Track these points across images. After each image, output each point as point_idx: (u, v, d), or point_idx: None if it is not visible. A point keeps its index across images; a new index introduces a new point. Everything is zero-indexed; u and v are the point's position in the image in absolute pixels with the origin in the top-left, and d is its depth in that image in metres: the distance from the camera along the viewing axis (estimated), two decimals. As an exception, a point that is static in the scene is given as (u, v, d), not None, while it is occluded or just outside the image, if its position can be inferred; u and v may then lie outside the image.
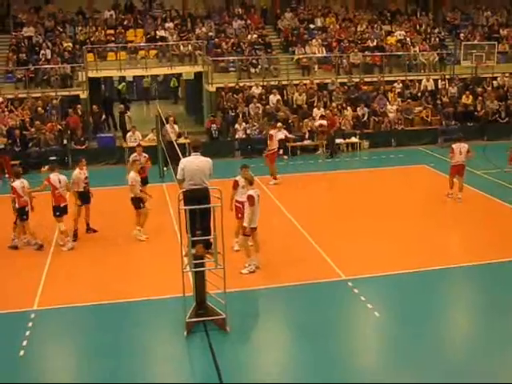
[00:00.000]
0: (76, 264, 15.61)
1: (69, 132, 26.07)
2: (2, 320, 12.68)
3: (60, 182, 16.41)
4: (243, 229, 14.52)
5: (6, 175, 23.28)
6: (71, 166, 24.28)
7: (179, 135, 24.99)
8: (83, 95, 28.92)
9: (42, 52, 30.81)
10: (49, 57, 30.44)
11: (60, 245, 16.72)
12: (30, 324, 12.39)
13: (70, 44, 31.52)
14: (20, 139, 25.30)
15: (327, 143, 26.79)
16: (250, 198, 14.05)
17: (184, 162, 11.55)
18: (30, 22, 33.06)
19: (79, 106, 27.74)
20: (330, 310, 12.80)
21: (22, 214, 16.34)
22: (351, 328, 12.39)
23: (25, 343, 11.66)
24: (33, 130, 25.91)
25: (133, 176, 16.71)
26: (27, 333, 12.04)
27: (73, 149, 25.38)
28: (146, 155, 19.05)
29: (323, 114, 27.48)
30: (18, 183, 16.29)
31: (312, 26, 34.84)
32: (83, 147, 25.75)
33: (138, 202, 16.84)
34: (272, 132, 22.77)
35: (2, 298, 13.66)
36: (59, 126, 26.03)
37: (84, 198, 17.14)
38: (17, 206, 16.34)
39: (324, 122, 26.73)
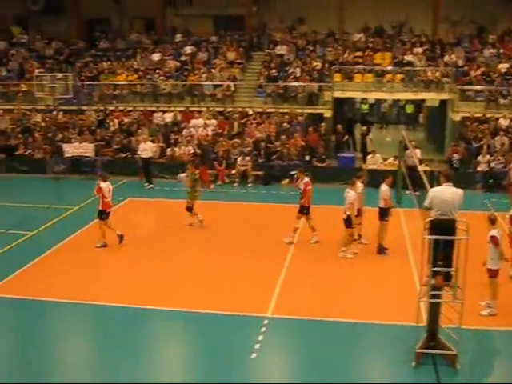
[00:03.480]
0: (308, 275, 16.01)
1: (310, 149, 26.78)
2: (240, 322, 13.36)
3: None
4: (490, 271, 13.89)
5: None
6: (311, 183, 25.08)
7: (420, 162, 24.66)
8: (327, 114, 29.70)
9: (292, 70, 32.07)
10: (298, 75, 31.60)
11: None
12: (264, 329, 12.89)
13: (319, 63, 32.45)
14: (265, 151, 26.50)
15: None
16: (494, 239, 13.50)
17: (434, 191, 11.39)
18: (283, 41, 34.66)
19: (323, 124, 28.45)
20: None
21: (101, 214, 18.00)
22: None
23: (257, 346, 12.18)
24: (277, 143, 27.02)
25: (353, 195, 17.05)
26: (260, 337, 12.55)
27: (314, 165, 26.07)
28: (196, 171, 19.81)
29: None
30: (104, 185, 17.93)
31: None
32: (324, 165, 26.34)
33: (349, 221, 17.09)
34: None
35: (241, 300, 14.42)
36: (302, 142, 26.85)
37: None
38: (100, 207, 17.96)
39: None
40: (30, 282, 15.60)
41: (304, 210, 18.28)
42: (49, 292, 14.87)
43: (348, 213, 16.95)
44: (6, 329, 13.64)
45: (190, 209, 19.73)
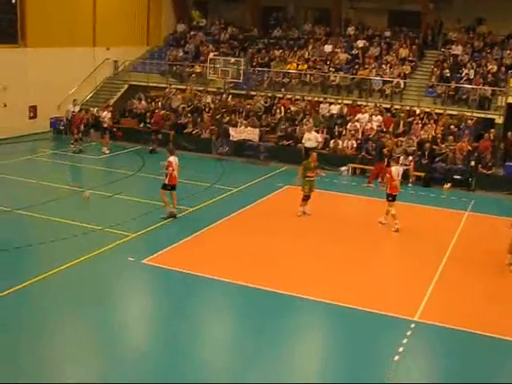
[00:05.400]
0: (463, 282, 15.52)
1: (477, 155, 25.86)
2: (387, 322, 13.23)
3: None
4: None
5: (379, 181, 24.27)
6: (473, 189, 24.26)
7: None
8: (499, 120, 28.44)
9: (466, 71, 31.04)
10: (471, 77, 30.55)
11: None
12: (409, 333, 12.68)
13: (495, 67, 31.14)
14: (429, 153, 25.89)
15: None
16: None
17: None
18: (459, 41, 33.57)
19: (493, 130, 27.33)
20: None
21: (165, 186, 18.61)
22: None
23: (401, 350, 12.01)
24: (443, 146, 26.29)
25: None
26: (405, 341, 12.36)
27: (478, 172, 25.20)
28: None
29: None
30: (172, 159, 18.50)
31: None
32: (489, 172, 25.27)
33: None
34: None
35: (389, 300, 14.28)
36: (469, 147, 25.95)
37: None
38: (166, 181, 18.46)
39: None
40: (184, 256, 16.38)
41: (389, 197, 19.09)
42: (200, 267, 15.45)
43: None
44: (155, 298, 14.45)
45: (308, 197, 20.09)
